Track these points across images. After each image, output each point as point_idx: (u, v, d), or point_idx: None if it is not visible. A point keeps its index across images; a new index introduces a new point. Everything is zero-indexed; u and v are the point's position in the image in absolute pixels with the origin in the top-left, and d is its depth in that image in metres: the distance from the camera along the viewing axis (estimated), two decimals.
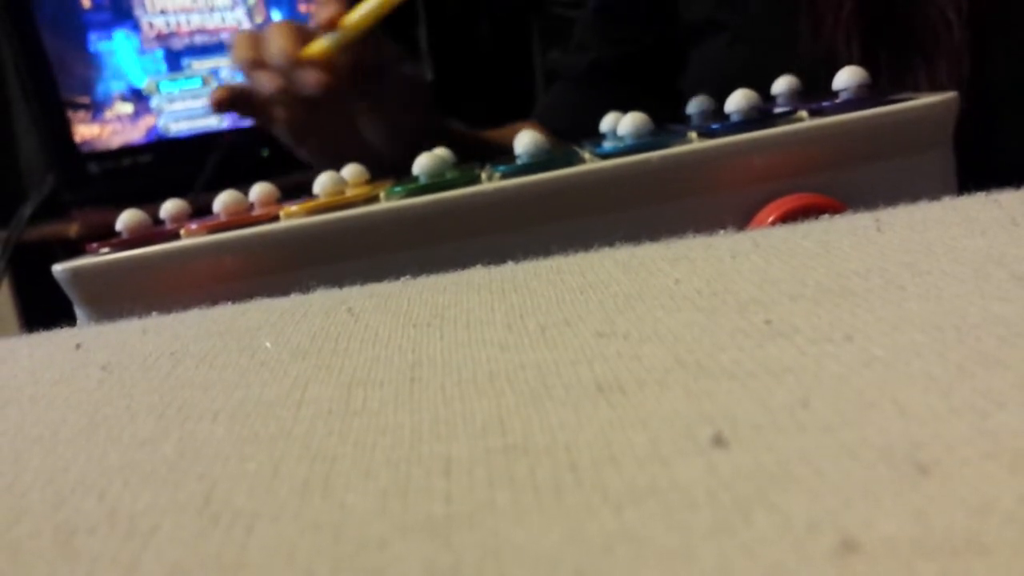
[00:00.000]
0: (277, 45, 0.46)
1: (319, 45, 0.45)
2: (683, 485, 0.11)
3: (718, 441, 0.12)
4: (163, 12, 1.26)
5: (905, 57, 0.43)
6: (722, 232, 0.24)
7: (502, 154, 0.38)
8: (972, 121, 0.36)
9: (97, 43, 1.22)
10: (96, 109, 1.21)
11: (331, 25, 0.44)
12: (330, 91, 0.46)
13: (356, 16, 0.44)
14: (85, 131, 1.20)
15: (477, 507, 0.11)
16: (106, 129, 1.21)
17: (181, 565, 0.11)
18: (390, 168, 0.40)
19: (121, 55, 1.23)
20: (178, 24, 1.27)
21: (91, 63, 1.21)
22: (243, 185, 0.35)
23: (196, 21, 1.28)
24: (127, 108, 1.23)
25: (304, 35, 0.46)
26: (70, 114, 1.19)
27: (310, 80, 0.45)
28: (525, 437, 0.13)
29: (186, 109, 1.26)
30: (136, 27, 1.24)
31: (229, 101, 0.49)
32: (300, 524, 0.11)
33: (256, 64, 0.47)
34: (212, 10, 1.29)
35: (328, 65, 0.45)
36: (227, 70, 1.28)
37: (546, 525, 0.11)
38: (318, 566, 0.10)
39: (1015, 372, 0.13)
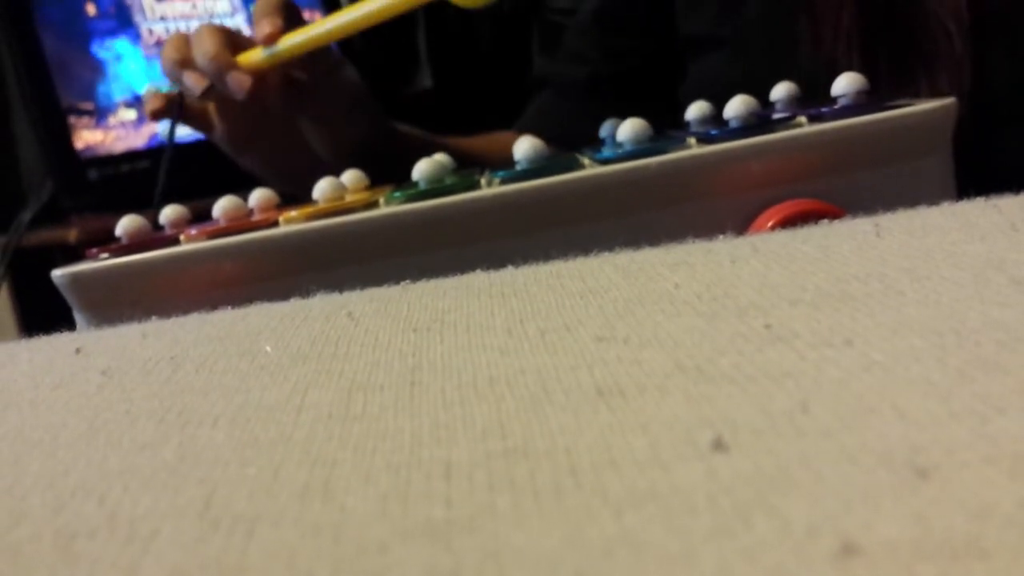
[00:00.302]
0: (204, 47, 0.45)
1: (254, 56, 0.45)
2: (683, 489, 0.11)
3: (718, 445, 0.12)
4: (163, 19, 1.26)
5: (906, 68, 0.43)
6: (721, 237, 0.24)
7: (472, 163, 0.38)
8: (973, 131, 0.36)
9: (102, 50, 1.22)
10: (100, 115, 1.22)
11: (269, 41, 0.44)
12: (257, 100, 0.45)
13: (297, 39, 0.44)
14: (89, 137, 1.21)
15: (477, 511, 0.11)
16: (109, 135, 1.22)
17: (181, 569, 0.11)
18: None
19: (126, 62, 1.24)
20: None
21: (97, 69, 1.22)
22: (242, 191, 0.35)
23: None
24: (131, 115, 1.24)
25: (233, 40, 0.46)
26: (74, 120, 1.19)
27: (237, 85, 0.44)
28: (525, 441, 0.13)
29: None
30: (137, 34, 1.25)
31: (164, 110, 0.48)
32: (300, 528, 0.11)
33: (182, 65, 0.46)
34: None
35: (259, 74, 0.45)
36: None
37: (546, 529, 0.11)
38: (318, 570, 0.10)
39: (1015, 377, 0.13)
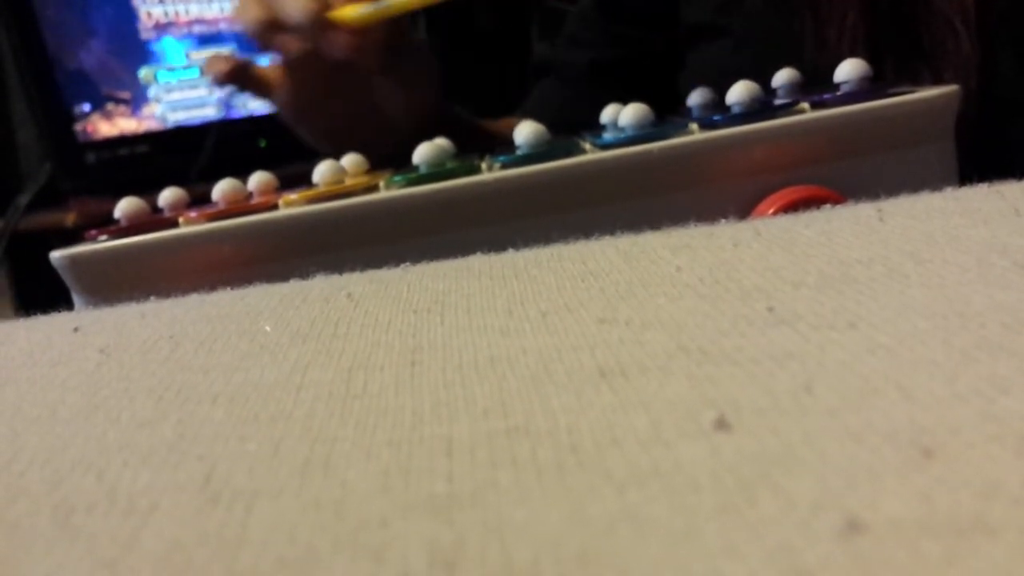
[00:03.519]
0: (298, 3, 0.40)
1: (352, 11, 0.41)
2: (686, 467, 0.11)
3: (721, 424, 0.12)
4: (161, 2, 1.26)
5: (912, 69, 0.43)
6: (723, 222, 0.24)
7: (501, 146, 0.38)
8: (979, 130, 0.36)
9: (146, 43, 1.25)
10: (135, 104, 1.24)
11: None
12: (358, 60, 0.42)
13: None
14: (124, 124, 1.23)
15: (479, 487, 0.11)
16: (143, 124, 1.24)
17: (180, 543, 0.11)
18: (391, 154, 0.38)
19: (169, 53, 1.26)
20: (176, 14, 1.27)
21: (139, 60, 1.24)
22: (241, 175, 0.35)
23: (195, 11, 1.28)
24: (157, 108, 1.26)
25: None
26: (111, 107, 1.22)
27: (341, 44, 0.40)
28: (527, 419, 0.13)
29: (183, 99, 1.26)
30: (135, 16, 1.25)
31: (231, 74, 0.45)
32: (301, 503, 0.11)
33: (273, 25, 0.41)
34: (211, 0, 1.29)
35: (361, 33, 0.41)
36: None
37: (548, 505, 0.11)
38: (319, 544, 0.10)
39: (1020, 358, 0.13)
